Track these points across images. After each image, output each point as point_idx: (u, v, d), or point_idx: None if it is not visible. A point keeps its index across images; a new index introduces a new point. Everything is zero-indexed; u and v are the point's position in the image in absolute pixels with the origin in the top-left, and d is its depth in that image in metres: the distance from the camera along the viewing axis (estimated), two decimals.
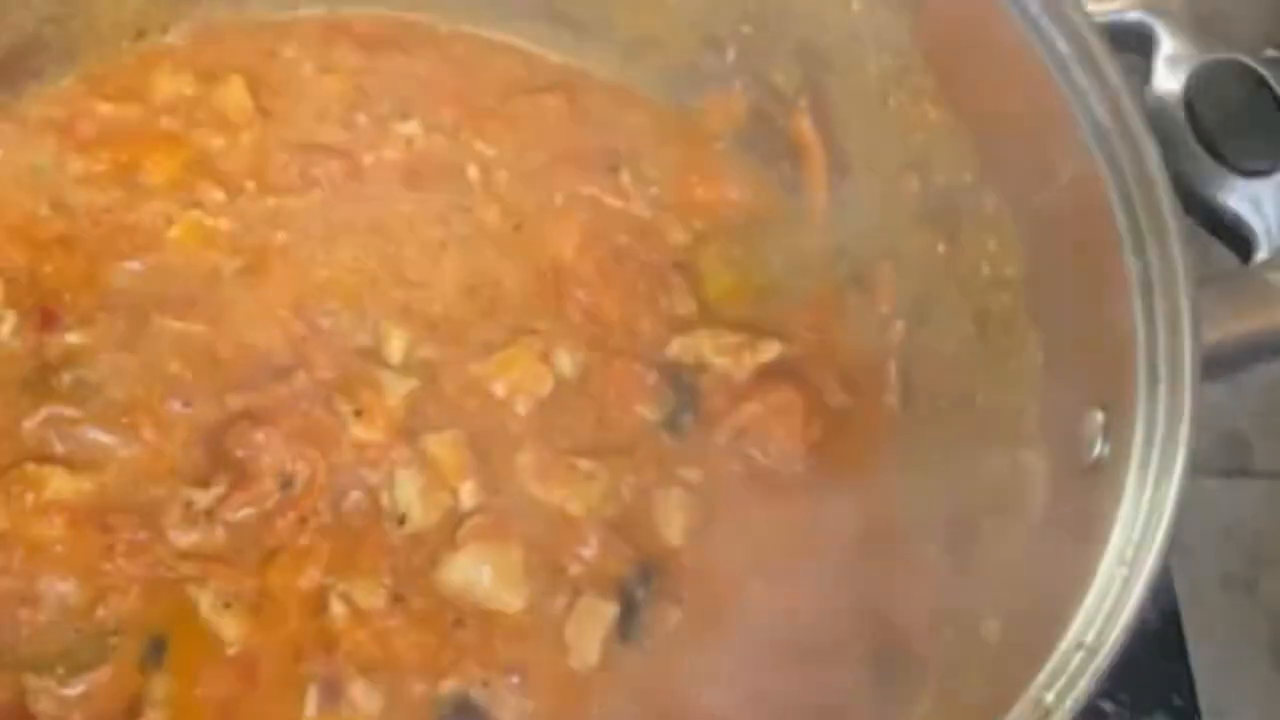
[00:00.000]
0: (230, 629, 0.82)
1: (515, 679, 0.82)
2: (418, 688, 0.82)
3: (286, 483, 0.84)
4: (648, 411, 0.90)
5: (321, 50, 0.98)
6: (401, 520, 0.85)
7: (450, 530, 0.85)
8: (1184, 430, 0.73)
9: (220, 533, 0.84)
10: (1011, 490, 0.81)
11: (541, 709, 0.82)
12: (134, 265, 0.91)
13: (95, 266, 0.90)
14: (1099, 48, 0.80)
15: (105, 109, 0.95)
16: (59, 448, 0.86)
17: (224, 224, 0.92)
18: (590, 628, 0.83)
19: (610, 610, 0.84)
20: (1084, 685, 0.69)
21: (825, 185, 0.96)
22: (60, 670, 0.81)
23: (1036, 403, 0.82)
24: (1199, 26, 0.87)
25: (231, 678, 0.82)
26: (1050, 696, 0.69)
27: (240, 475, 0.84)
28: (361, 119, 0.96)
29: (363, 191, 0.94)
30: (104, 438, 0.86)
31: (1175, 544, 0.71)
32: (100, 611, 0.82)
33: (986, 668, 0.76)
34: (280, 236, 0.92)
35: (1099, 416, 0.76)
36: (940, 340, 0.91)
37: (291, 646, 0.82)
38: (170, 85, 0.96)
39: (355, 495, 0.85)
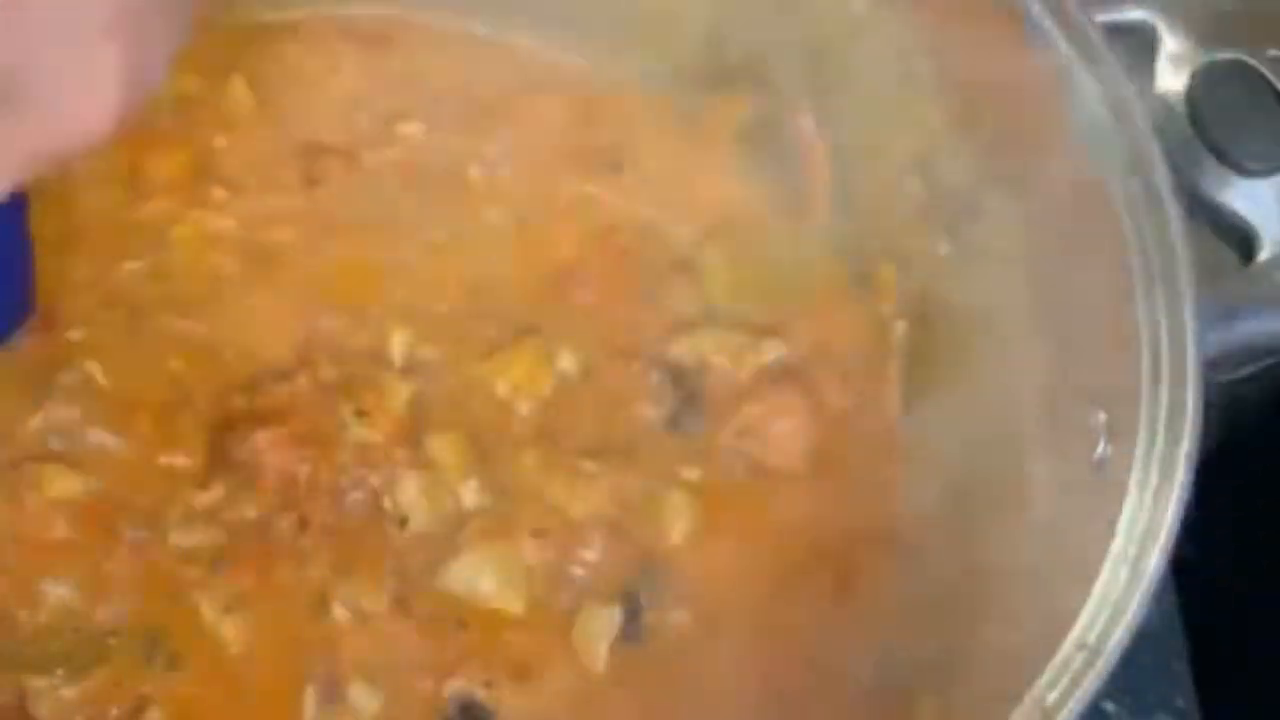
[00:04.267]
0: (231, 630, 0.82)
1: (520, 680, 0.82)
2: (420, 689, 0.82)
3: (288, 484, 0.84)
4: (650, 411, 0.90)
5: (323, 50, 0.98)
6: (403, 522, 0.85)
7: (452, 531, 0.85)
8: (1186, 430, 0.73)
9: (221, 534, 0.84)
10: (1012, 490, 0.81)
11: (547, 710, 0.82)
12: (135, 265, 0.91)
13: (96, 266, 0.90)
14: (1099, 48, 0.80)
15: None
16: (60, 447, 0.85)
17: (225, 223, 0.92)
18: (597, 632, 0.83)
19: (616, 615, 0.84)
20: (1087, 686, 0.69)
21: (826, 185, 0.96)
22: (60, 671, 0.80)
23: (1037, 403, 0.82)
24: (1201, 26, 0.87)
25: (232, 679, 0.82)
26: (1053, 697, 0.69)
27: (242, 476, 0.84)
28: (363, 118, 0.96)
29: (364, 191, 0.94)
30: (105, 437, 0.86)
31: None
32: (101, 612, 0.82)
33: (987, 668, 0.76)
34: (282, 236, 0.92)
35: (1100, 416, 0.76)
36: (940, 340, 0.91)
37: (293, 648, 0.82)
38: (171, 84, 0.95)
39: (357, 496, 0.85)
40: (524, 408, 0.89)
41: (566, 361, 0.90)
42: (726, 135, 0.99)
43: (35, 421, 0.85)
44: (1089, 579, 0.71)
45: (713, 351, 0.91)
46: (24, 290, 0.79)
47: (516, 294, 0.92)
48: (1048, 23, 0.80)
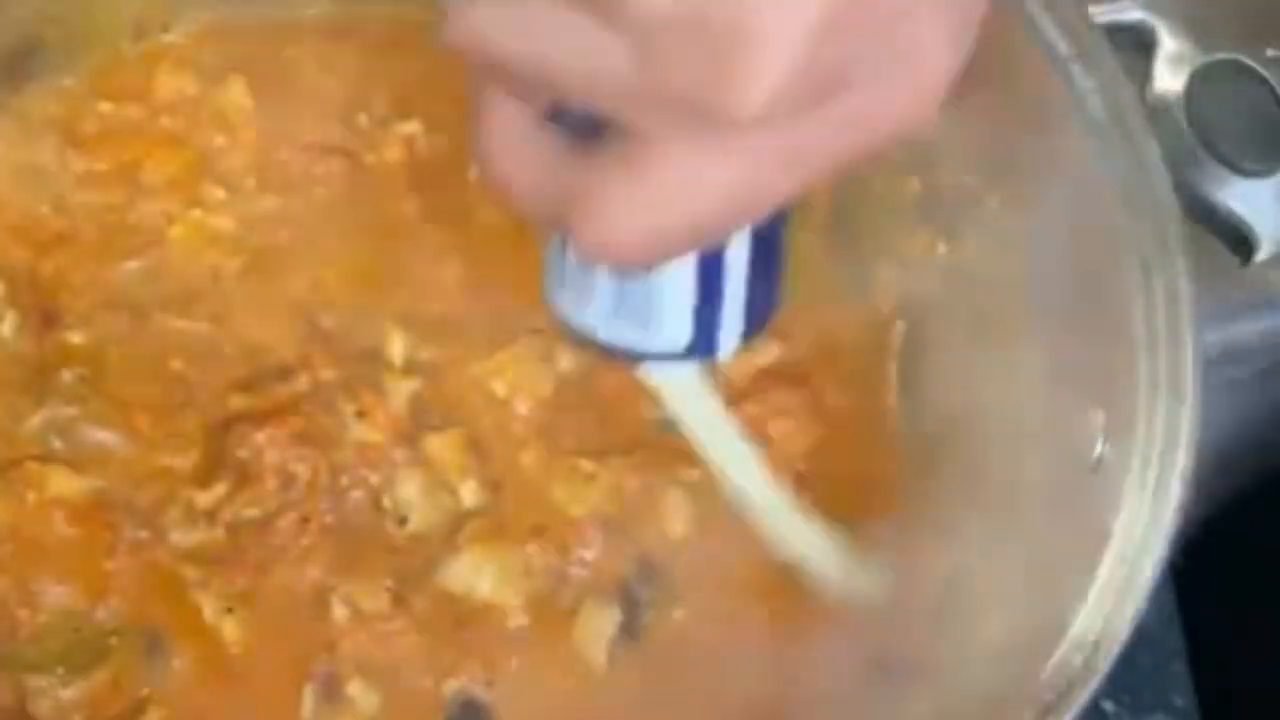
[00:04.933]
0: (231, 630, 0.82)
1: (519, 679, 0.82)
2: (420, 687, 0.82)
3: (288, 483, 0.84)
4: (649, 411, 0.90)
5: (323, 50, 0.98)
6: (403, 521, 0.85)
7: (452, 531, 0.85)
8: (1185, 430, 0.74)
9: (221, 533, 0.84)
10: (1010, 490, 0.82)
11: (546, 709, 0.82)
12: (135, 264, 0.91)
13: (96, 266, 0.90)
14: (1099, 48, 0.80)
15: (106, 108, 0.95)
16: (60, 447, 0.85)
17: (225, 223, 0.92)
18: (596, 631, 0.83)
19: (615, 614, 0.84)
20: (1085, 685, 0.69)
21: (825, 185, 0.96)
22: (60, 671, 0.80)
23: (1037, 403, 0.82)
24: (1200, 26, 0.87)
25: (232, 679, 0.82)
26: (1051, 696, 0.69)
27: (242, 476, 0.84)
28: (363, 118, 0.96)
29: (364, 191, 0.94)
30: (105, 437, 0.86)
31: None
32: (100, 612, 0.82)
33: (986, 668, 0.76)
34: (282, 236, 0.92)
35: (1099, 417, 0.76)
36: (940, 340, 0.91)
37: (292, 648, 0.82)
38: (171, 84, 0.95)
39: (357, 496, 0.85)
40: (524, 408, 0.89)
41: (566, 361, 0.90)
42: None
43: (35, 421, 0.86)
44: (1088, 579, 0.71)
45: None
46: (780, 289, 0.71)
47: (516, 294, 0.92)
48: (1046, 23, 0.80)
